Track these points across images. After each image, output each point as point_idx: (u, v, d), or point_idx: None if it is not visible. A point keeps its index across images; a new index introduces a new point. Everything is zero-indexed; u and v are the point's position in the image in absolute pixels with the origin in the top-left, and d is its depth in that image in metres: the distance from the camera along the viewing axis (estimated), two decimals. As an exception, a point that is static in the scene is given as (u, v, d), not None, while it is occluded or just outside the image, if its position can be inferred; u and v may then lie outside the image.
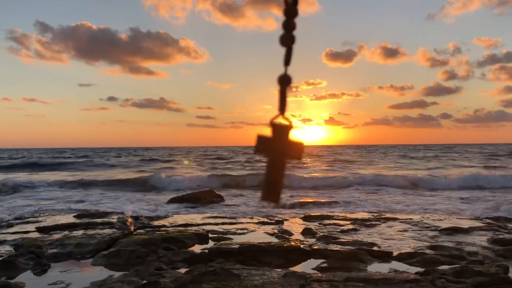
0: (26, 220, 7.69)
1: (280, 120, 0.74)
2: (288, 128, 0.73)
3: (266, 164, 0.74)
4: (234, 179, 19.31)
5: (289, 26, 0.75)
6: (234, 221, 7.90)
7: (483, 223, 7.45)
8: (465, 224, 7.30)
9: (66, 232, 6.42)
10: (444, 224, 7.28)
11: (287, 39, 0.75)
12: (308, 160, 37.27)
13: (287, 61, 0.75)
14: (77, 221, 7.37)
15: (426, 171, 23.93)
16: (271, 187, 0.73)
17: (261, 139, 0.73)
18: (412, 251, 5.50)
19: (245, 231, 6.87)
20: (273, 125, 0.73)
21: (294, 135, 0.74)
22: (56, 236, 6.15)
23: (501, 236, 6.21)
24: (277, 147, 0.72)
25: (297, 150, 0.73)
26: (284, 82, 0.75)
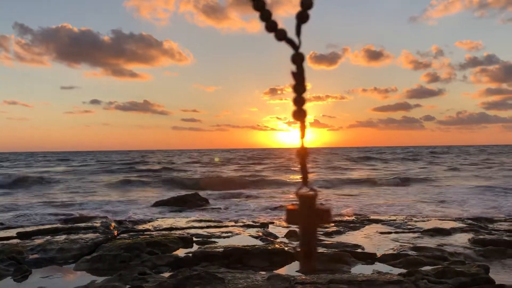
0: (7, 225, 7.55)
1: (304, 190, 0.78)
2: (313, 197, 0.77)
3: (299, 235, 0.78)
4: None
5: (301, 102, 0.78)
6: (219, 224, 7.88)
7: (464, 224, 7.56)
8: (447, 225, 7.40)
9: (48, 237, 6.32)
10: (427, 226, 7.37)
11: (300, 115, 0.78)
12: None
13: (303, 134, 0.79)
14: (60, 225, 7.27)
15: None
16: (307, 255, 0.78)
17: (290, 212, 0.78)
18: (395, 252, 5.56)
19: (230, 234, 6.85)
20: (299, 197, 0.77)
21: (319, 203, 0.77)
22: (38, 241, 6.05)
23: (481, 237, 6.31)
24: (306, 218, 0.77)
25: (325, 217, 0.77)
26: (303, 154, 0.79)
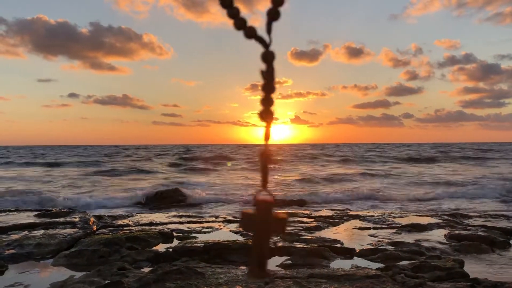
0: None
1: (263, 195, 0.74)
2: (271, 203, 0.73)
3: (252, 240, 0.74)
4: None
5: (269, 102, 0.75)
6: (199, 219, 7.87)
7: (441, 219, 7.72)
8: (424, 220, 7.54)
9: (25, 232, 6.22)
10: (404, 221, 7.50)
11: (267, 116, 0.75)
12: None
13: (268, 136, 0.75)
14: (37, 220, 7.15)
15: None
16: (258, 263, 0.73)
17: (245, 216, 0.74)
18: (373, 247, 5.64)
19: (210, 229, 6.85)
20: (257, 202, 0.73)
21: (276, 211, 0.74)
22: (15, 236, 5.95)
23: (457, 232, 6.45)
24: (261, 224, 0.73)
25: (280, 226, 0.74)
26: (266, 157, 0.76)
